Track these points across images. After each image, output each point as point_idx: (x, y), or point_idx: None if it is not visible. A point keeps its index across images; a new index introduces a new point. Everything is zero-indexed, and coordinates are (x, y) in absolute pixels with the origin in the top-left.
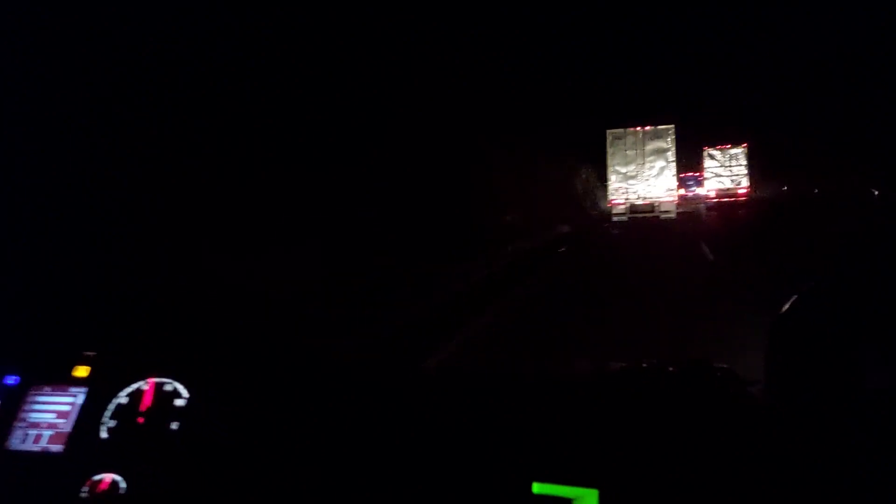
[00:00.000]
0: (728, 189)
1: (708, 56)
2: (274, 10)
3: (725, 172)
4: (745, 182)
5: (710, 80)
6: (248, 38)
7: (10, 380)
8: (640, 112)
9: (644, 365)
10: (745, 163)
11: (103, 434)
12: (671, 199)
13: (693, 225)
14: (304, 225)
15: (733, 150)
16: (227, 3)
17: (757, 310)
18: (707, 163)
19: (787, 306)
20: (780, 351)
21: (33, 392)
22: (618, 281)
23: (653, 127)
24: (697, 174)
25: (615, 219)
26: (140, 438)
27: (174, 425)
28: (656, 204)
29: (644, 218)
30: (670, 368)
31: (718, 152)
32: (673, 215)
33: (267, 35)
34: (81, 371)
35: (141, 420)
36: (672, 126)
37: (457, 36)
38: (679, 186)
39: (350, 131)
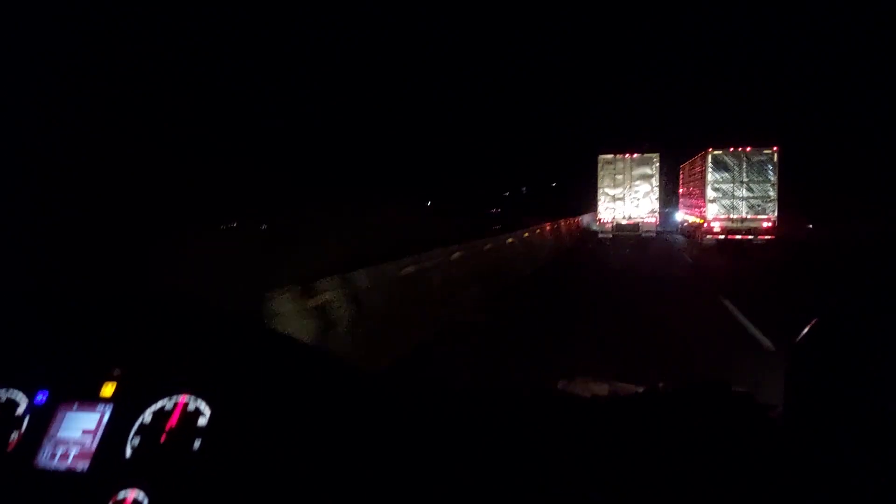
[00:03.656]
0: (743, 220)
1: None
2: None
3: (741, 192)
4: (771, 210)
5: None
6: (251, 44)
7: (40, 397)
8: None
9: (660, 387)
10: (774, 178)
11: (128, 452)
12: (653, 220)
13: None
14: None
15: (756, 157)
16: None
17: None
18: (711, 174)
19: (806, 330)
20: (800, 376)
21: (61, 409)
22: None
23: (640, 154)
24: (683, 191)
25: (601, 235)
26: (163, 456)
27: (197, 443)
28: (640, 224)
29: (626, 236)
30: (686, 392)
31: (731, 158)
32: (653, 234)
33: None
34: (108, 389)
35: (164, 438)
36: (657, 154)
37: (467, 56)
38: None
39: (365, 150)
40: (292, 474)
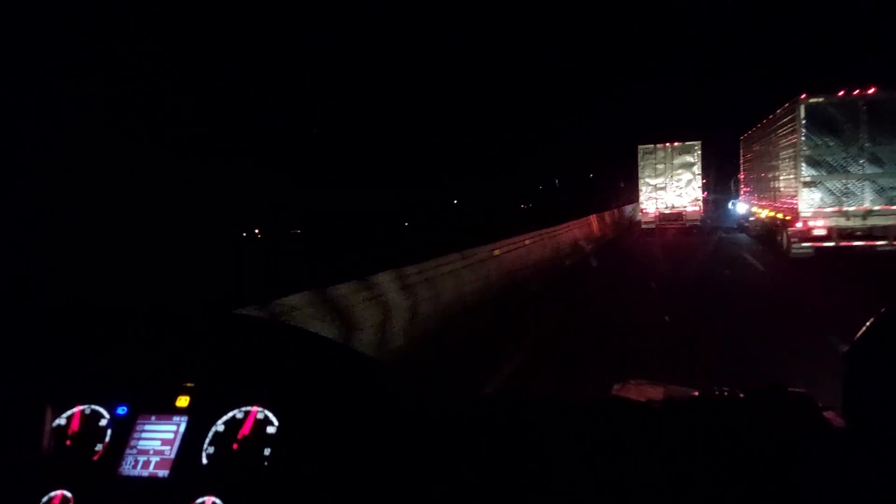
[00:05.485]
0: (868, 213)
1: None
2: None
3: (861, 166)
4: None
5: None
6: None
7: (121, 410)
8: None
9: (716, 390)
10: None
11: (203, 460)
12: (697, 208)
13: None
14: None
15: (888, 104)
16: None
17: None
18: (807, 138)
19: (864, 329)
20: (858, 376)
21: (141, 421)
22: None
23: (680, 143)
24: (749, 173)
25: (644, 226)
26: (236, 464)
27: (266, 451)
28: (683, 213)
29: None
30: (741, 395)
31: (840, 110)
32: (698, 222)
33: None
34: (183, 401)
35: (235, 446)
36: (698, 142)
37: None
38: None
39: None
40: (355, 478)
